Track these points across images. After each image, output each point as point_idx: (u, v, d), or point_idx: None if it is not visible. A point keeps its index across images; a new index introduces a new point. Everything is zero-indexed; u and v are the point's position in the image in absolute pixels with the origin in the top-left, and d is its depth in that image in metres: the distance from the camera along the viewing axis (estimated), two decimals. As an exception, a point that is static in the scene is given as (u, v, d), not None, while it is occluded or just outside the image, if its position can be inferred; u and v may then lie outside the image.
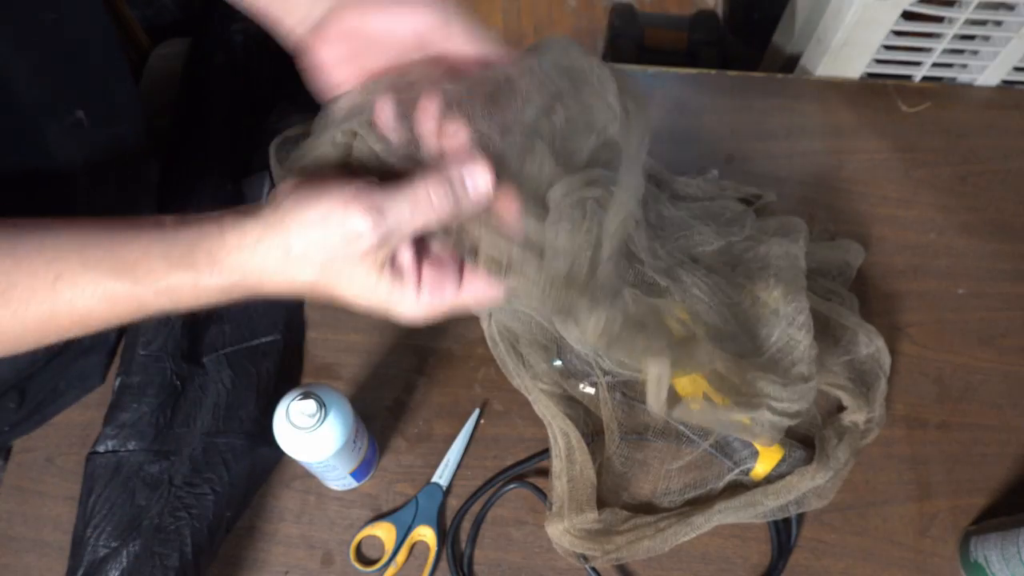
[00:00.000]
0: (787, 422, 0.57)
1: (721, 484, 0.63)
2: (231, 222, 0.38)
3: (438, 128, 0.40)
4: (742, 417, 0.56)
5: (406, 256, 0.39)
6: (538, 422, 0.67)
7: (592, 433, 0.65)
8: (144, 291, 0.39)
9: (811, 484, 0.60)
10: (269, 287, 0.39)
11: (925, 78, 0.86)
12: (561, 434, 0.63)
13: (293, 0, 0.44)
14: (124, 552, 0.57)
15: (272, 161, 0.74)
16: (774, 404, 0.56)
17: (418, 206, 0.37)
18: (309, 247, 0.37)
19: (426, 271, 0.40)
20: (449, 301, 0.40)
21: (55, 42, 0.53)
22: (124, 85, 0.64)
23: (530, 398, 0.65)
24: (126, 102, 0.65)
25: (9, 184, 0.51)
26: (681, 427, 0.66)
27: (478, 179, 0.37)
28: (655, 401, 0.53)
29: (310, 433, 0.54)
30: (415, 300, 0.40)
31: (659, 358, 0.51)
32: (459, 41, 0.42)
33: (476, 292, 0.41)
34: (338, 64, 0.44)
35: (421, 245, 0.40)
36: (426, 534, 0.63)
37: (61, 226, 0.40)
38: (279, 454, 0.66)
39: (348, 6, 0.42)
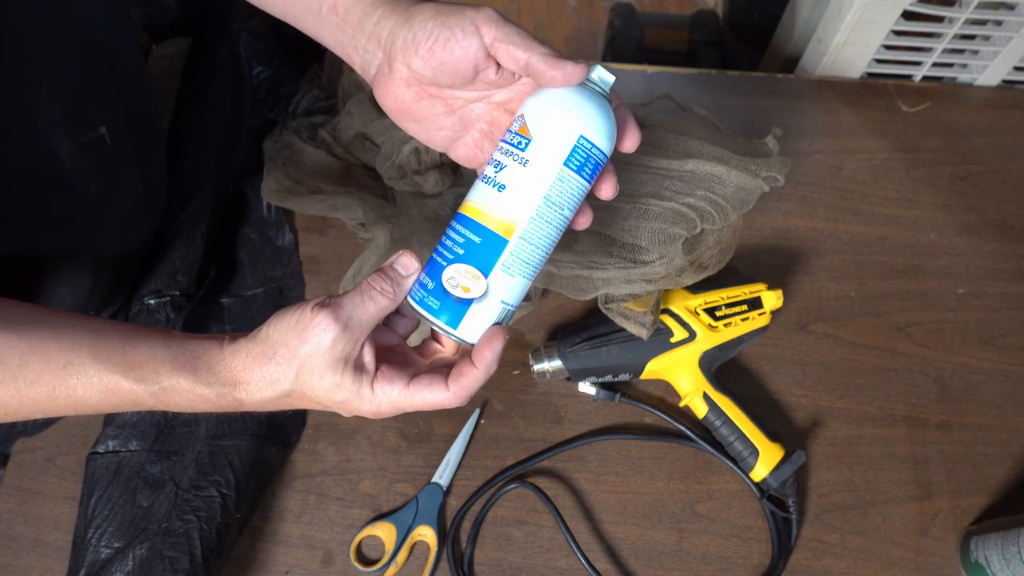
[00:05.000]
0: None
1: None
2: (230, 341, 0.44)
3: None
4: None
5: (367, 356, 0.44)
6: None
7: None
8: (143, 389, 0.43)
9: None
10: (255, 398, 0.43)
11: (925, 78, 0.86)
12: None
13: (350, 51, 0.47)
14: (130, 554, 0.57)
15: (266, 158, 0.75)
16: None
17: (366, 294, 0.43)
18: (287, 351, 0.42)
19: (383, 368, 0.44)
20: (398, 397, 0.44)
21: (76, 62, 0.54)
22: (150, 101, 0.65)
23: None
24: (151, 118, 0.66)
25: (17, 200, 0.52)
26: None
27: (404, 261, 0.45)
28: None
29: None
30: (371, 394, 0.44)
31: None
32: (506, 57, 0.43)
33: (424, 395, 0.45)
34: (415, 101, 0.46)
35: (381, 354, 0.45)
36: (426, 534, 0.63)
37: (76, 319, 0.44)
38: (286, 454, 0.66)
39: (396, 58, 0.44)
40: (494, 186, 0.44)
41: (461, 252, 0.44)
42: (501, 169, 0.44)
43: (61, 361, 0.42)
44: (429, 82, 0.44)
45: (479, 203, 0.44)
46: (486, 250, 0.44)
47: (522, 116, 0.44)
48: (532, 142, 0.43)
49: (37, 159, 0.52)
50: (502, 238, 0.43)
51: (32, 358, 0.42)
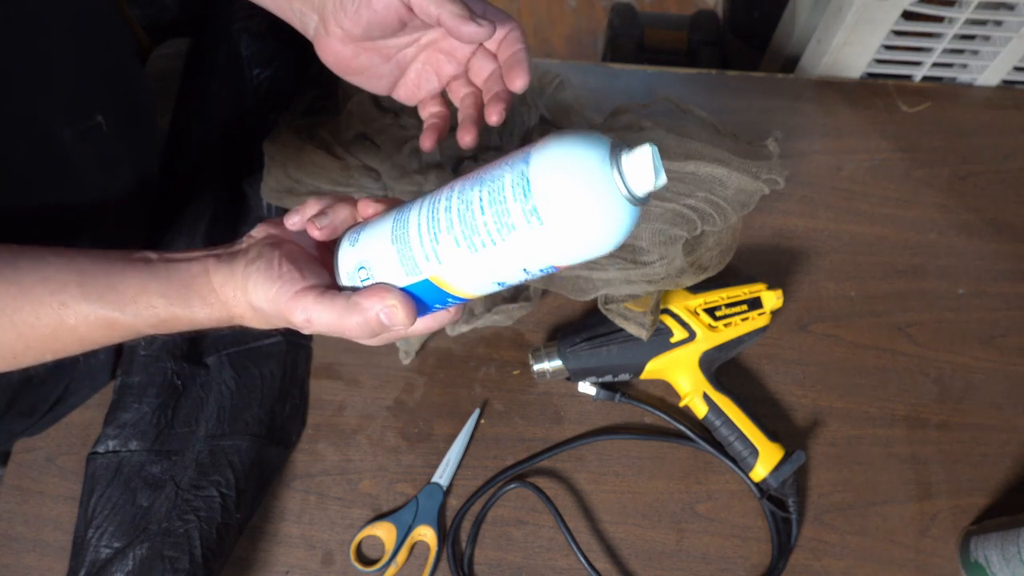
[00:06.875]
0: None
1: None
2: (214, 268, 0.43)
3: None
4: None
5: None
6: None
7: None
8: (143, 322, 0.43)
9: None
10: (255, 326, 0.45)
11: (925, 78, 0.86)
12: None
13: (289, 14, 0.50)
14: (130, 554, 0.57)
15: (266, 158, 0.74)
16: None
17: (339, 327, 0.42)
18: (267, 314, 0.43)
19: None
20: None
21: (72, 51, 0.54)
22: (142, 91, 0.66)
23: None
24: (143, 107, 0.66)
25: (24, 188, 0.52)
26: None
27: (396, 315, 0.41)
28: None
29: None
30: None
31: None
32: (420, 11, 0.45)
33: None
34: (354, 57, 0.49)
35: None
36: (426, 534, 0.63)
37: (57, 257, 0.43)
38: (286, 454, 0.66)
39: (329, 20, 0.47)
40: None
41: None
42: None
43: (54, 303, 0.42)
44: (362, 39, 0.48)
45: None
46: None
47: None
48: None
49: (40, 147, 0.53)
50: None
51: (25, 302, 0.42)
